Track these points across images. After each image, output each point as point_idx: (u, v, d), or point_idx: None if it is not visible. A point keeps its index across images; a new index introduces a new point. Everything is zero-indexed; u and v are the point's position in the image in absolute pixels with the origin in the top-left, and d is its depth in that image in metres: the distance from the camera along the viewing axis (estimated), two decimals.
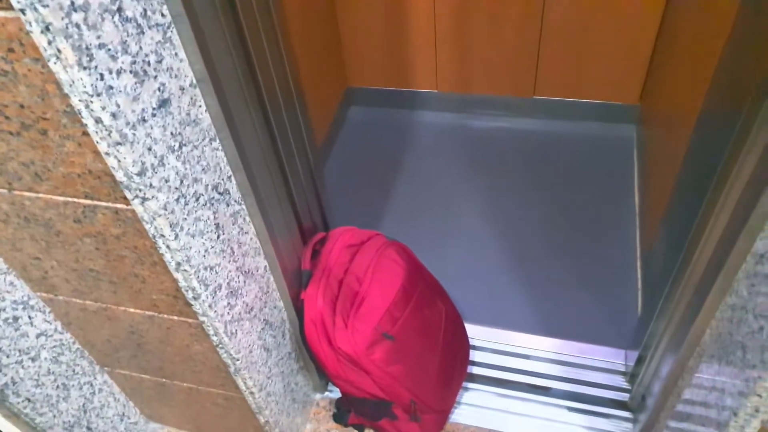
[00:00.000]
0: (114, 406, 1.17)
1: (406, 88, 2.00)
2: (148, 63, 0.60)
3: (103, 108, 0.55)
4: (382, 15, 1.81)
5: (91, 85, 0.53)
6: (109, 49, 0.55)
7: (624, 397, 1.26)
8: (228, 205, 0.82)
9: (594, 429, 1.22)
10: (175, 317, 0.88)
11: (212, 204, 0.78)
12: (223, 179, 0.80)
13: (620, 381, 1.28)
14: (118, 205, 0.68)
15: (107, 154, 0.59)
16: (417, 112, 2.04)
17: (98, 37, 0.53)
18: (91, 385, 1.09)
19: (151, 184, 0.64)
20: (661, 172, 1.42)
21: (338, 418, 1.31)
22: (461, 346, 1.30)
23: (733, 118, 0.76)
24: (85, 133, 0.59)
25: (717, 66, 0.99)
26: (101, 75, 0.54)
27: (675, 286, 0.97)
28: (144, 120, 0.61)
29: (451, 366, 1.24)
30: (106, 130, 0.57)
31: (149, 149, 0.63)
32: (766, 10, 0.74)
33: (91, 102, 0.54)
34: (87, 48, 0.52)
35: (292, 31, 0.93)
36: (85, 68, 0.52)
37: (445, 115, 2.01)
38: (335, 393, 1.35)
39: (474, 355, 1.37)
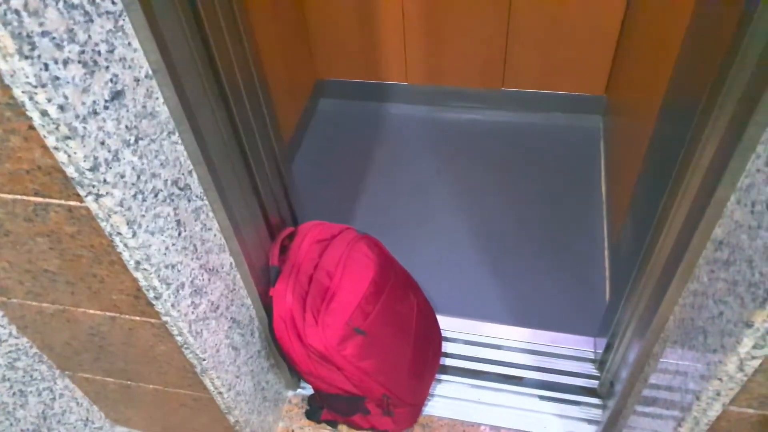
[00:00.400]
0: (77, 411, 1.14)
1: (377, 80, 1.99)
2: (99, 53, 0.58)
3: (49, 100, 0.53)
4: (352, 6, 1.79)
5: (35, 75, 0.51)
6: (54, 38, 0.52)
7: (593, 384, 1.27)
8: (189, 201, 0.80)
9: (565, 416, 1.23)
10: (138, 318, 0.85)
11: (172, 200, 0.75)
12: (183, 174, 0.77)
13: (590, 368, 1.30)
14: (72, 203, 0.65)
15: (56, 149, 0.57)
16: (387, 104, 2.03)
17: (41, 25, 0.50)
18: (51, 390, 1.06)
19: (105, 180, 0.62)
20: (627, 162, 1.44)
21: (311, 414, 1.29)
22: (433, 338, 1.30)
23: (693, 108, 0.77)
24: (32, 127, 0.56)
25: (678, 56, 1.00)
26: (45, 65, 0.52)
27: (640, 274, 0.98)
28: (95, 113, 0.59)
29: (424, 359, 1.24)
30: (53, 123, 0.54)
31: (102, 143, 0.60)
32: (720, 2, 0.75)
33: (35, 94, 0.52)
34: (28, 36, 0.49)
35: (259, 24, 0.91)
36: (26, 57, 0.50)
37: (416, 107, 2.01)
38: (308, 390, 1.34)
39: (446, 347, 1.37)
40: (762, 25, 0.57)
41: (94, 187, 0.61)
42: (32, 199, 0.66)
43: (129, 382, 1.06)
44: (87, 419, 1.17)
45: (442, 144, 1.88)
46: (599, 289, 1.46)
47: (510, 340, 1.37)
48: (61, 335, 0.94)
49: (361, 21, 1.82)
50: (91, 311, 0.86)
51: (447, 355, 1.36)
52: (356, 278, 1.09)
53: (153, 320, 0.85)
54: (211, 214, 0.86)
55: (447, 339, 1.38)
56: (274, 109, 1.02)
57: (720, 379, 0.60)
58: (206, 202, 0.85)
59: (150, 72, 0.67)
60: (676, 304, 0.77)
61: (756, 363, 0.57)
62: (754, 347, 0.55)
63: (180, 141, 0.76)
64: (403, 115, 2.00)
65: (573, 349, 1.34)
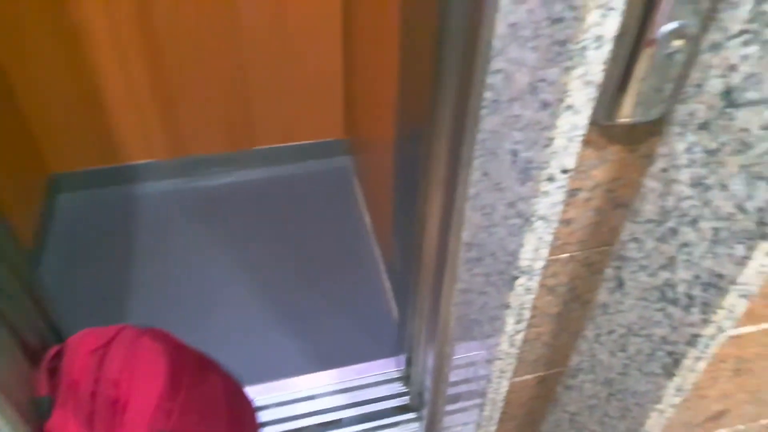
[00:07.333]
0: None
1: (119, 163, 1.87)
2: None
3: None
4: (71, 91, 1.67)
5: None
6: None
7: (406, 400, 1.35)
8: None
9: None
10: None
11: None
12: None
13: (399, 387, 1.38)
14: None
15: None
16: (136, 185, 1.92)
17: None
18: None
19: None
20: (380, 191, 1.58)
21: None
22: (246, 413, 1.26)
23: (419, 135, 0.89)
24: None
25: (398, 94, 1.15)
26: None
27: (416, 286, 1.08)
28: None
29: None
30: None
31: None
32: (416, 45, 0.89)
33: None
34: None
35: None
36: None
37: (168, 182, 1.94)
38: None
39: (261, 416, 1.33)
40: (452, 68, 0.69)
41: None
42: None
43: None
44: None
45: (204, 213, 1.84)
46: (388, 310, 1.56)
47: (320, 387, 1.39)
48: None
49: (88, 105, 1.71)
50: None
51: (264, 424, 1.32)
52: (147, 378, 1.01)
53: None
54: None
55: (260, 408, 1.34)
56: (7, 219, 0.91)
57: (500, 359, 0.70)
58: None
59: None
60: (451, 305, 0.87)
61: (520, 336, 0.68)
62: (516, 323, 0.66)
63: None
64: (156, 193, 1.91)
65: (380, 374, 1.41)
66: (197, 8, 1.60)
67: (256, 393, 1.35)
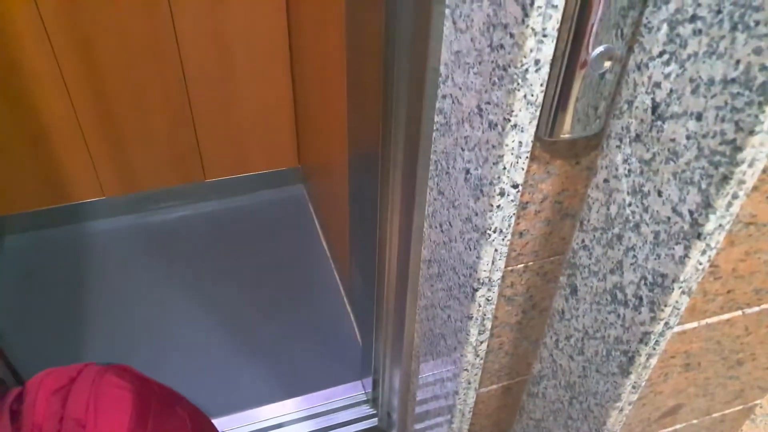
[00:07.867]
0: None
1: (69, 202, 1.84)
2: None
3: None
4: (14, 130, 1.63)
5: None
6: None
7: (374, 422, 1.36)
8: None
9: None
10: None
11: None
12: None
13: (366, 410, 1.38)
14: None
15: None
16: (87, 224, 1.88)
17: None
18: None
19: None
20: (336, 217, 1.60)
21: None
22: None
23: (374, 158, 0.92)
24: None
25: (348, 123, 1.17)
26: None
27: (379, 306, 1.10)
28: None
29: None
30: None
31: None
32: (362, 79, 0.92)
33: None
34: None
35: None
36: None
37: (121, 218, 1.91)
38: None
39: None
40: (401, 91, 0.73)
41: None
42: None
43: None
44: None
45: (159, 248, 1.82)
46: (350, 333, 1.57)
47: (288, 414, 1.38)
48: None
49: (32, 145, 1.68)
50: None
51: None
52: (113, 415, 0.99)
53: None
54: None
55: None
56: None
57: (466, 370, 0.73)
58: None
59: None
60: (415, 322, 0.90)
61: (484, 346, 0.70)
62: (479, 333, 0.68)
63: None
64: (110, 230, 1.87)
65: (346, 398, 1.41)
66: (141, 42, 1.60)
67: (225, 424, 1.33)
